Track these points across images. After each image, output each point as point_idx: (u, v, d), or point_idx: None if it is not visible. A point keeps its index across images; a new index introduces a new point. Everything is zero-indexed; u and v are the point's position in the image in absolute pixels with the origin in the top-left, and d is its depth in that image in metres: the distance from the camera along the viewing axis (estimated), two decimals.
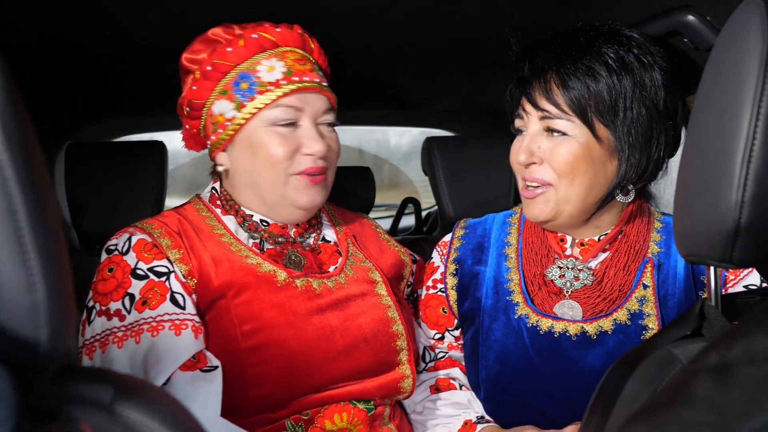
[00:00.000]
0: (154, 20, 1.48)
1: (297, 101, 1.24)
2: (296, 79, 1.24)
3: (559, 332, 1.25)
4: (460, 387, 1.38)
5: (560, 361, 1.24)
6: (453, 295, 1.40)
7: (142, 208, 2.02)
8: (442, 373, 1.40)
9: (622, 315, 1.24)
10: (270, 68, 1.24)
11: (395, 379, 1.28)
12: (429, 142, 2.30)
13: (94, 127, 2.41)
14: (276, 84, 1.23)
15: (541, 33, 1.32)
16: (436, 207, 2.96)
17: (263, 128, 1.24)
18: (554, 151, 1.22)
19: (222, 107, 1.26)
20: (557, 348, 1.25)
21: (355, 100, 2.26)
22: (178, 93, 1.35)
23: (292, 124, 1.25)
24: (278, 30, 1.27)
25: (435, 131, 2.88)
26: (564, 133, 1.21)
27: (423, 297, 1.45)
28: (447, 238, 1.47)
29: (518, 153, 1.26)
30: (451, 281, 1.40)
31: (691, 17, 1.33)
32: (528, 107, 1.24)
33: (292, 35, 1.28)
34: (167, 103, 2.22)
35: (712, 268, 0.83)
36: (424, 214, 3.14)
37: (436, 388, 1.38)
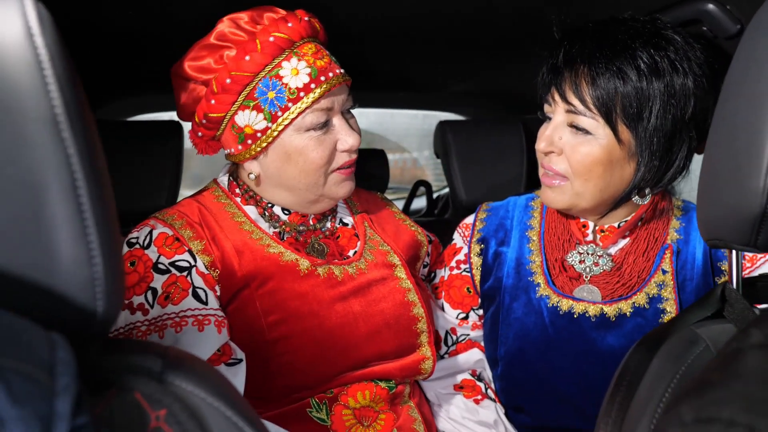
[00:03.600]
0: None
1: (327, 102, 1.22)
2: (323, 78, 1.21)
3: (578, 313, 1.28)
4: (486, 390, 1.40)
5: (579, 341, 1.27)
6: (478, 275, 1.42)
7: (158, 187, 2.03)
8: (463, 365, 1.42)
9: (641, 298, 1.26)
10: (294, 71, 1.19)
11: (416, 361, 1.30)
12: (442, 125, 2.31)
13: (110, 106, 2.41)
14: (306, 89, 1.19)
15: (559, 19, 1.32)
16: (446, 190, 2.98)
17: (298, 135, 1.22)
18: (575, 149, 1.22)
19: (249, 118, 1.21)
20: (576, 328, 1.27)
21: (368, 83, 2.28)
22: None
23: (325, 124, 1.24)
24: (290, 25, 1.21)
25: (447, 115, 2.89)
26: (587, 132, 1.21)
27: (446, 278, 1.46)
28: (469, 220, 1.49)
29: (540, 140, 1.27)
30: (477, 261, 1.42)
31: (710, 5, 1.33)
32: (556, 97, 1.25)
33: (303, 26, 1.22)
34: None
35: (734, 253, 0.85)
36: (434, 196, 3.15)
37: (460, 387, 1.40)
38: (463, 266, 1.45)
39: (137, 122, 2.35)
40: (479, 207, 1.51)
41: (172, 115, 2.44)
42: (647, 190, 1.26)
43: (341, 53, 1.36)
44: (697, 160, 0.96)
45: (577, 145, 1.22)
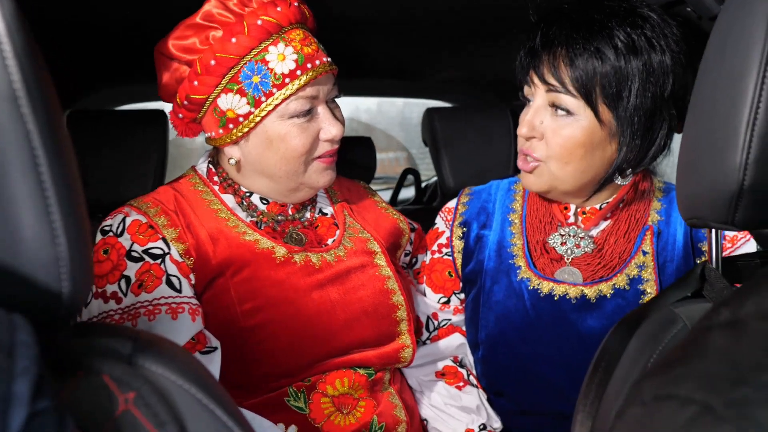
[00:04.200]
0: None
1: (313, 90, 1.21)
2: (309, 66, 1.19)
3: (559, 295, 1.28)
4: (468, 376, 1.40)
5: (559, 323, 1.27)
6: (459, 258, 1.42)
7: (143, 176, 2.02)
8: (444, 350, 1.41)
9: (621, 280, 1.26)
10: (280, 57, 1.18)
11: (395, 349, 1.29)
12: (429, 113, 2.30)
13: (95, 95, 2.40)
14: (292, 75, 1.18)
15: (545, 4, 1.31)
16: (434, 178, 2.97)
17: (281, 121, 1.21)
18: (556, 132, 1.22)
19: (231, 102, 1.20)
20: (557, 310, 1.27)
21: (355, 70, 2.26)
22: None
23: (309, 112, 1.22)
24: (279, 9, 1.18)
25: (435, 102, 2.88)
26: (568, 112, 1.20)
27: (428, 262, 1.46)
28: (451, 204, 1.49)
29: (521, 125, 1.27)
30: (458, 245, 1.42)
31: None
32: (536, 79, 1.24)
33: (292, 11, 1.21)
34: None
35: (713, 231, 0.85)
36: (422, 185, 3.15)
37: (442, 374, 1.40)
38: (444, 250, 1.44)
39: (121, 111, 2.34)
40: (461, 191, 1.51)
41: (157, 105, 2.44)
42: (629, 171, 1.26)
43: (328, 41, 1.35)
44: (678, 139, 0.96)
45: (558, 129, 1.21)
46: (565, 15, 1.23)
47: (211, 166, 1.32)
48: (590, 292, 1.27)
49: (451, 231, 1.44)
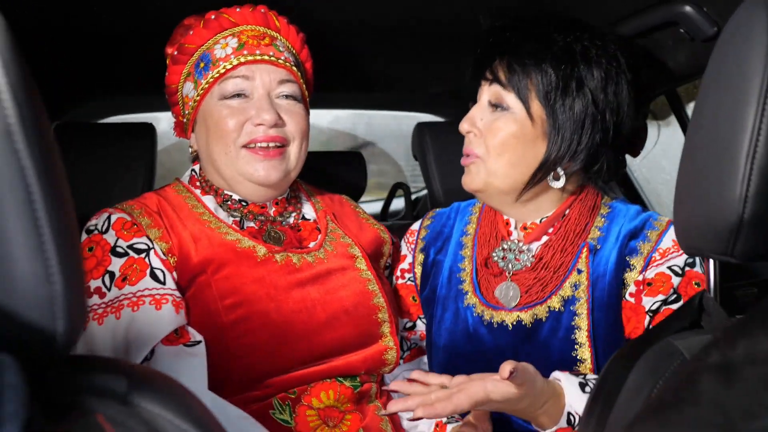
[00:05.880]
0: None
1: (246, 71, 1.26)
2: (246, 52, 1.26)
3: (497, 323, 1.29)
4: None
5: (500, 352, 1.26)
6: (420, 284, 1.44)
7: (131, 190, 1.99)
8: (416, 365, 1.44)
9: (555, 302, 1.27)
10: (224, 45, 1.27)
11: (379, 351, 1.30)
12: (420, 127, 2.30)
13: (82, 108, 2.37)
14: (225, 59, 1.26)
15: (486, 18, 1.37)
16: (424, 191, 2.96)
17: (215, 103, 1.27)
18: (492, 126, 1.27)
19: (187, 89, 1.31)
20: (497, 338, 1.28)
21: (343, 83, 2.26)
22: (164, 74, 1.37)
23: (243, 95, 1.27)
24: (238, 10, 1.29)
25: (425, 116, 2.88)
26: (504, 108, 1.26)
27: (392, 286, 1.47)
28: (415, 226, 1.51)
29: (462, 121, 1.32)
30: (419, 270, 1.44)
31: (687, 8, 1.34)
32: (481, 81, 1.31)
33: (253, 14, 1.30)
34: (156, 85, 2.20)
35: (711, 261, 0.85)
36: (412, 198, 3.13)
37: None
38: (407, 275, 1.47)
39: (109, 124, 2.33)
40: (426, 214, 1.53)
41: (145, 117, 2.42)
42: (560, 171, 1.27)
43: (317, 53, 1.36)
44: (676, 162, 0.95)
45: (493, 121, 1.27)
46: (510, 27, 1.30)
47: (194, 173, 1.37)
48: (526, 316, 1.28)
49: (414, 256, 1.46)
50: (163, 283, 1.18)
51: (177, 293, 1.18)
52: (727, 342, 0.51)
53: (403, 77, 2.35)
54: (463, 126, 1.32)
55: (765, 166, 0.68)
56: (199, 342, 1.16)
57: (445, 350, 1.33)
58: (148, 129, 2.07)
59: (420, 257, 1.44)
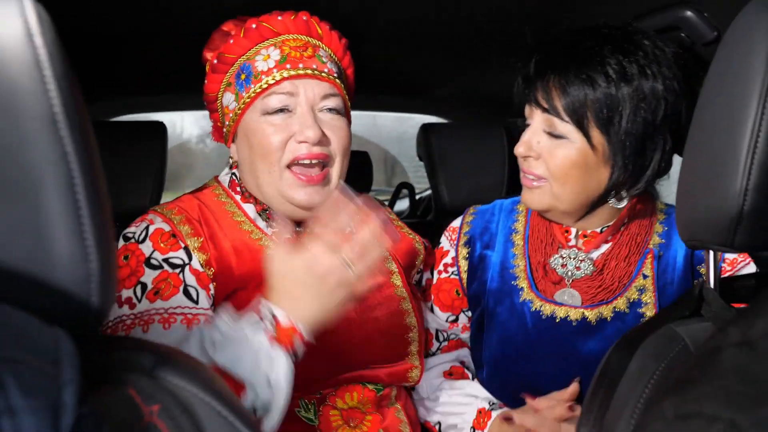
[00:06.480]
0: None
1: (290, 87, 1.22)
2: (289, 66, 1.22)
3: (560, 317, 1.30)
4: (473, 377, 1.42)
5: (560, 345, 1.29)
6: (465, 278, 1.44)
7: (141, 188, 2.02)
8: (453, 356, 1.44)
9: (621, 303, 1.28)
10: (266, 57, 1.23)
11: (405, 369, 1.31)
12: (425, 128, 2.33)
13: (93, 107, 2.40)
14: (267, 72, 1.22)
15: (540, 25, 1.33)
16: (428, 191, 2.99)
17: (257, 117, 1.23)
18: (552, 153, 1.24)
19: (228, 99, 1.28)
20: (558, 332, 1.29)
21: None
22: (180, 73, 1.34)
23: (286, 110, 1.22)
24: (280, 18, 1.25)
25: (431, 118, 2.91)
26: (562, 136, 1.23)
27: (435, 282, 1.48)
28: (456, 223, 1.51)
29: (519, 145, 1.30)
30: (464, 264, 1.44)
31: (688, 13, 1.36)
32: (532, 105, 1.27)
33: (294, 23, 1.26)
34: (168, 84, 2.21)
35: (711, 252, 0.88)
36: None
37: (450, 374, 1.42)
38: (450, 269, 1.46)
39: (121, 122, 2.34)
40: (466, 210, 1.53)
41: (157, 116, 2.44)
42: (624, 193, 1.28)
43: None
44: (678, 162, 0.98)
45: (553, 149, 1.24)
46: (560, 42, 1.26)
47: (234, 176, 1.33)
48: (591, 314, 1.29)
49: (457, 251, 1.46)
50: (196, 302, 1.15)
51: (210, 312, 1.16)
52: (744, 321, 0.53)
53: (408, 79, 2.37)
54: (519, 150, 1.28)
55: (764, 162, 0.72)
56: None
57: (499, 342, 1.34)
58: (160, 127, 2.09)
59: (464, 251, 1.44)
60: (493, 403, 1.32)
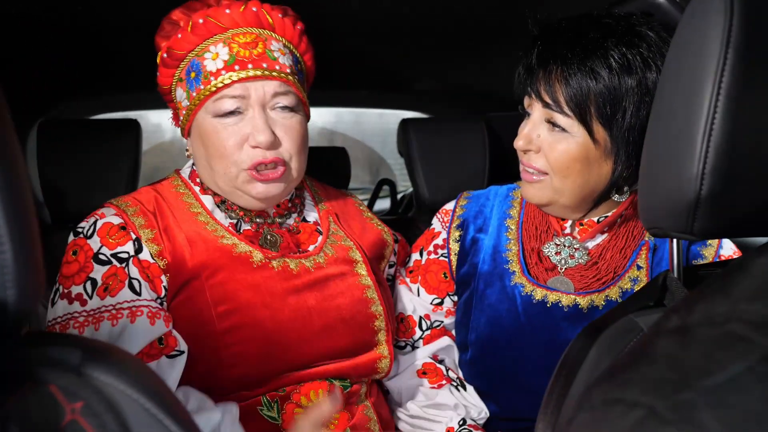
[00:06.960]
0: None
1: (241, 89, 1.19)
2: (238, 67, 1.19)
3: (552, 302, 1.29)
4: (447, 371, 1.39)
5: (549, 330, 1.27)
6: (455, 260, 1.42)
7: (115, 185, 2.00)
8: (428, 351, 1.42)
9: (613, 293, 1.27)
10: (214, 56, 1.20)
11: (372, 359, 1.28)
12: (405, 123, 2.31)
13: (66, 105, 2.38)
14: (216, 74, 1.19)
15: (517, 15, 1.31)
16: (410, 189, 2.97)
17: (210, 118, 1.21)
18: (552, 146, 1.23)
19: (180, 95, 1.26)
20: (548, 317, 1.28)
21: (329, 81, 2.27)
22: (153, 72, 1.33)
23: (237, 112, 1.20)
24: (228, 12, 1.21)
25: (410, 113, 2.89)
26: (563, 129, 1.21)
27: (423, 262, 1.46)
28: (449, 206, 1.49)
29: (518, 138, 1.27)
30: (455, 247, 1.42)
31: None
32: (533, 95, 1.25)
33: (243, 15, 1.22)
34: (142, 82, 2.19)
35: (674, 241, 0.85)
36: (398, 196, 3.15)
37: (423, 372, 1.39)
38: (440, 251, 1.45)
39: (95, 120, 2.33)
40: (460, 194, 1.51)
41: (130, 114, 2.42)
42: (626, 188, 1.26)
43: None
44: None
45: (554, 143, 1.22)
46: (562, 33, 1.23)
47: (195, 168, 1.32)
48: (583, 301, 1.28)
49: (448, 233, 1.45)
50: (139, 294, 1.15)
51: (153, 303, 1.15)
52: (684, 308, 0.51)
53: (389, 74, 2.36)
54: (519, 144, 1.27)
55: (720, 145, 0.69)
56: (181, 353, 1.14)
57: (487, 324, 1.33)
58: (133, 125, 2.07)
59: (456, 234, 1.43)
60: (463, 423, 1.30)
